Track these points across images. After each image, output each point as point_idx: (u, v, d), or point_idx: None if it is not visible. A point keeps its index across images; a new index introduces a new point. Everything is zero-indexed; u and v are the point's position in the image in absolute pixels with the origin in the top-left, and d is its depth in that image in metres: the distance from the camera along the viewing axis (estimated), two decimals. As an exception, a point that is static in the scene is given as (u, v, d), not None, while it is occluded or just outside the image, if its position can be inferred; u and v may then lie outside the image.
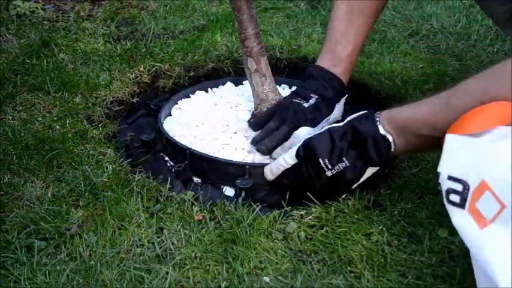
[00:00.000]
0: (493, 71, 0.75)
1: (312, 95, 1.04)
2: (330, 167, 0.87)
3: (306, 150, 0.89)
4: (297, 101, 1.04)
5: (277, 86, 1.15)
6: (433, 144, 0.77)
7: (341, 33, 1.08)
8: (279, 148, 1.00)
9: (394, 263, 0.80)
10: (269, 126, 1.03)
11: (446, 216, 0.89)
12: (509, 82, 0.70)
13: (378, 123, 0.84)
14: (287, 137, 1.00)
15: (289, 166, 0.91)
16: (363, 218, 0.88)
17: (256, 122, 1.07)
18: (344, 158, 0.86)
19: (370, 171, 0.88)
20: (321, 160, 0.87)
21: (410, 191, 0.95)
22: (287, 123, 1.01)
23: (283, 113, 1.03)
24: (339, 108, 1.06)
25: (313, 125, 1.01)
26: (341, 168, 0.87)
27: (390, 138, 0.83)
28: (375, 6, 1.10)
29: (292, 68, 1.50)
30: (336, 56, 1.08)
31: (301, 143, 0.91)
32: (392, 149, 0.83)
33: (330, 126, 0.90)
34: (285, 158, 0.92)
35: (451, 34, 1.68)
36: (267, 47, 1.50)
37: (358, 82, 1.38)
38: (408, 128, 0.81)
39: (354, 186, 0.90)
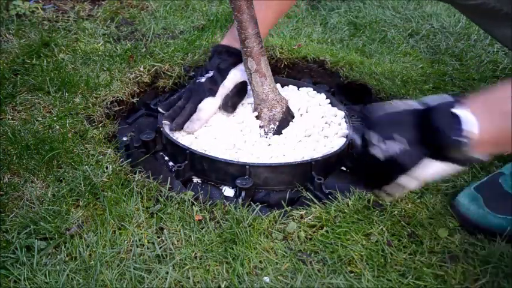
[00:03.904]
0: None
1: (209, 70, 1.17)
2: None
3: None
4: (197, 80, 1.18)
5: (279, 86, 1.15)
6: None
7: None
8: (188, 122, 1.12)
9: (394, 263, 0.80)
10: (177, 105, 1.16)
11: (446, 216, 0.89)
12: None
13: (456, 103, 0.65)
14: (193, 111, 1.13)
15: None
16: (363, 218, 0.88)
17: (167, 103, 1.18)
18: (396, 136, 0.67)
19: (430, 164, 0.67)
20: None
21: (410, 191, 0.95)
22: (192, 100, 1.14)
23: (187, 93, 1.17)
24: (234, 73, 1.17)
25: (212, 93, 1.14)
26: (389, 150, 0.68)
27: (465, 114, 0.63)
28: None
29: (292, 68, 1.50)
30: (236, 36, 1.11)
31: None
32: (467, 130, 0.63)
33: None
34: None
35: (451, 34, 1.68)
36: (267, 47, 1.50)
37: (358, 82, 1.39)
38: (489, 105, 0.65)
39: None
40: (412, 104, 0.70)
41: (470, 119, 0.63)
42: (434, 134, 0.64)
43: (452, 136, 0.63)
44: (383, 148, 0.67)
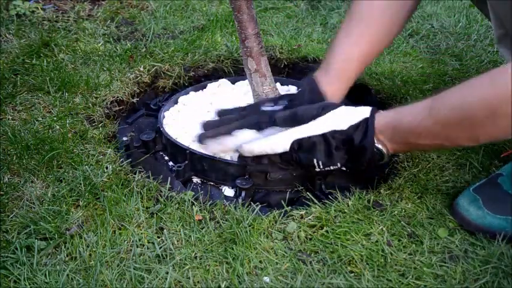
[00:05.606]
0: (472, 83, 0.74)
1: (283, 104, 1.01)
2: (321, 166, 0.89)
3: (303, 148, 0.89)
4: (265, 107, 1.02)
5: (281, 86, 1.15)
6: (427, 148, 0.77)
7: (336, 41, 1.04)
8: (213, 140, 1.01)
9: (394, 263, 0.80)
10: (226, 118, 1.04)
11: (446, 216, 0.89)
12: (487, 95, 0.70)
13: (374, 135, 0.84)
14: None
15: (274, 153, 0.92)
16: (363, 218, 0.88)
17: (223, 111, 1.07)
18: (338, 163, 0.88)
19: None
20: (315, 160, 0.89)
21: (410, 191, 0.95)
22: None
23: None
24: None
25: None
26: (330, 168, 0.89)
27: (384, 149, 0.85)
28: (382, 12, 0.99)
29: (292, 68, 1.50)
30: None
31: (292, 137, 0.89)
32: (384, 158, 0.86)
33: (330, 130, 0.87)
34: (273, 146, 0.91)
35: (451, 34, 1.68)
36: (267, 47, 1.50)
37: (358, 82, 1.38)
38: (396, 137, 0.83)
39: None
40: None
41: (385, 151, 0.85)
42: (365, 163, 0.87)
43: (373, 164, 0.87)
44: (326, 169, 0.91)
